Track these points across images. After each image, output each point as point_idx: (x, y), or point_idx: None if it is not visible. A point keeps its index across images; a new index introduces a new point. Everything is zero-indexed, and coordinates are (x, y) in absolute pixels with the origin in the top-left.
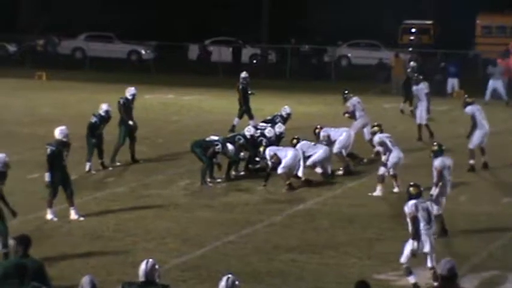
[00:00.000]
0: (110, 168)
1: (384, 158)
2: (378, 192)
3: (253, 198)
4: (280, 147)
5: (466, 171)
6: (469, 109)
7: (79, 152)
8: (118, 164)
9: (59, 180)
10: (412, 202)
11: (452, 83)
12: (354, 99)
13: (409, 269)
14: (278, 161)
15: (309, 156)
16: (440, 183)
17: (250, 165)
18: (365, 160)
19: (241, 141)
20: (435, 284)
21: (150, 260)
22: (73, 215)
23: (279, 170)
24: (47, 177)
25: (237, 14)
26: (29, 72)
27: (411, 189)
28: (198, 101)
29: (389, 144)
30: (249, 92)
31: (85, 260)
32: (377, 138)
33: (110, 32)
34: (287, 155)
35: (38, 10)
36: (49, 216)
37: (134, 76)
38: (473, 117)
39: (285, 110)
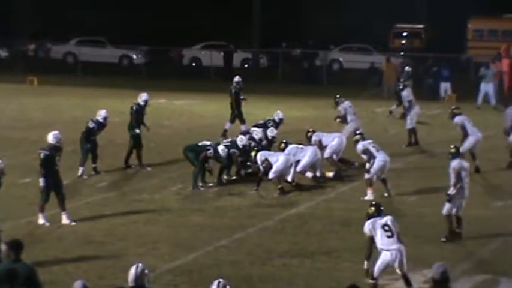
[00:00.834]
0: (103, 173)
1: (368, 165)
2: (369, 196)
3: (245, 202)
4: (272, 152)
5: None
6: (457, 119)
7: (71, 157)
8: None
9: (51, 185)
10: (368, 222)
11: (445, 87)
12: (346, 104)
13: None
14: (269, 166)
15: (299, 161)
16: (458, 185)
17: (241, 170)
18: (356, 164)
19: (237, 153)
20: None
21: (140, 264)
22: (65, 219)
23: (270, 175)
24: (41, 182)
25: (228, 18)
26: (20, 77)
27: (370, 209)
28: (189, 106)
29: (373, 150)
30: (241, 97)
31: (77, 265)
32: (360, 146)
33: (102, 37)
34: (278, 159)
35: (30, 15)
36: (41, 221)
37: (126, 81)
38: (463, 127)
39: (278, 115)
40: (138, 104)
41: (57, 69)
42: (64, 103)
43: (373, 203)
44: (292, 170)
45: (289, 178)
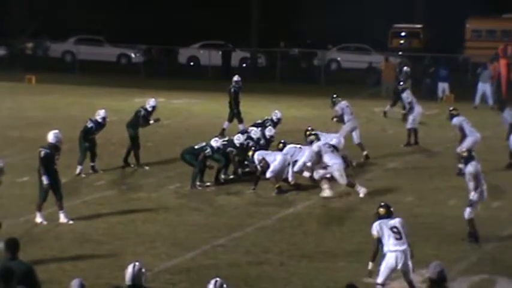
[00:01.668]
0: (101, 172)
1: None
2: (327, 192)
3: (242, 201)
4: (269, 152)
5: (456, 174)
6: (455, 120)
7: (68, 155)
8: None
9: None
10: (376, 223)
11: (443, 87)
12: (343, 103)
13: None
14: (267, 166)
15: (297, 161)
16: (478, 189)
17: (239, 169)
18: (354, 164)
19: (234, 152)
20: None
21: (137, 263)
22: (62, 218)
23: (268, 174)
24: (45, 180)
25: (226, 18)
26: (18, 75)
27: (380, 210)
28: (187, 105)
29: (328, 151)
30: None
31: (74, 263)
32: (315, 147)
33: (100, 36)
34: (276, 159)
35: (28, 13)
36: (38, 219)
37: (124, 79)
38: (461, 129)
39: (276, 114)
40: (146, 109)
41: (56, 68)
42: (62, 101)
43: (383, 204)
44: (290, 169)
45: (289, 177)
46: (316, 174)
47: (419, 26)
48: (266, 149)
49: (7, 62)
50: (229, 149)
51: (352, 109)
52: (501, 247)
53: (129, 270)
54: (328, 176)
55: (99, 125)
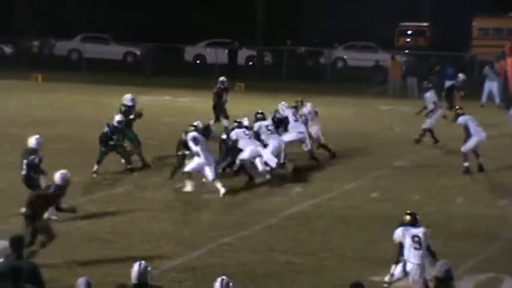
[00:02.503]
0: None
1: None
2: (189, 187)
3: (248, 200)
4: (247, 139)
5: (462, 173)
6: (461, 120)
7: (74, 154)
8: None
9: None
10: (400, 228)
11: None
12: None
13: None
14: (237, 149)
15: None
16: None
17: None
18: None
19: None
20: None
21: (143, 262)
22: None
23: (237, 161)
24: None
25: (232, 16)
26: (25, 73)
27: (406, 217)
28: (193, 103)
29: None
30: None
31: (81, 262)
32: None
33: (106, 34)
34: (246, 149)
35: (34, 12)
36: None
37: (130, 78)
38: (466, 128)
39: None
40: (126, 105)
41: (62, 66)
42: (68, 100)
43: (410, 212)
44: (259, 160)
45: (260, 167)
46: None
47: (425, 24)
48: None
49: (13, 60)
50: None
51: (315, 116)
52: (508, 246)
53: (135, 268)
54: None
55: (116, 129)
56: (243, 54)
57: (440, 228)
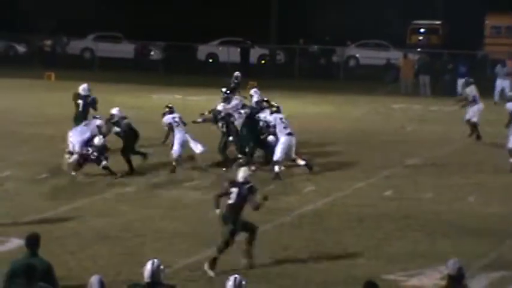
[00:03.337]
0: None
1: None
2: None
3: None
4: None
5: (509, 171)
6: (509, 105)
7: None
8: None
9: None
10: None
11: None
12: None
13: None
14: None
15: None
16: None
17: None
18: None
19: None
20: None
21: (156, 260)
22: None
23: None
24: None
25: (245, 14)
26: (38, 72)
27: None
28: (206, 102)
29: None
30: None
31: (93, 260)
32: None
33: (119, 32)
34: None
35: (46, 10)
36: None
37: (142, 76)
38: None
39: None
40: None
41: (75, 65)
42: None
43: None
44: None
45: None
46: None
47: (438, 22)
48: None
49: (26, 59)
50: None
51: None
52: None
53: (148, 267)
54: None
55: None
56: (255, 53)
57: (453, 227)
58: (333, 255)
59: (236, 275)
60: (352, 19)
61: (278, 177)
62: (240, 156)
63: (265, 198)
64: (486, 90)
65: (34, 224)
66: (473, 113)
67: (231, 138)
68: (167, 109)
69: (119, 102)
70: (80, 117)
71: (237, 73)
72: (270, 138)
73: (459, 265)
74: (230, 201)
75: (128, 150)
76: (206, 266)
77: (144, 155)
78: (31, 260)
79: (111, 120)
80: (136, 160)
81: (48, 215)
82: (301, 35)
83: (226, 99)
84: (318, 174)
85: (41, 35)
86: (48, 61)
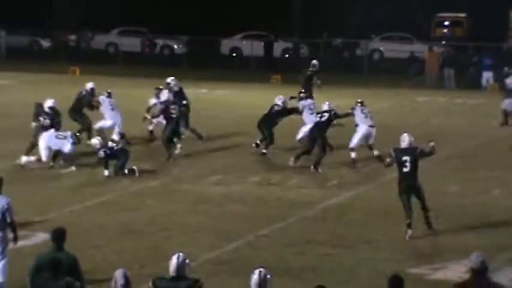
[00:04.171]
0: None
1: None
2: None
3: (285, 192)
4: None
5: None
6: None
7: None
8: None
9: None
10: None
11: (487, 76)
12: (309, 101)
13: None
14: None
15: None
16: None
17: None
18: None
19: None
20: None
21: (181, 254)
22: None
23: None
24: None
25: (269, 8)
26: (63, 67)
27: None
28: (230, 96)
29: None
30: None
31: (119, 254)
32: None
33: (142, 27)
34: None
35: (71, 5)
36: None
37: (166, 71)
38: None
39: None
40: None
41: (99, 59)
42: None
43: None
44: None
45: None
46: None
47: (462, 14)
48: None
49: (51, 54)
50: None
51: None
52: None
53: (174, 261)
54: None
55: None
56: (279, 47)
57: (478, 220)
58: (357, 249)
59: (261, 269)
60: (376, 12)
61: (354, 164)
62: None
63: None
64: None
65: (60, 218)
66: (509, 104)
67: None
68: None
69: (142, 96)
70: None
71: (314, 61)
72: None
73: (482, 258)
74: (405, 170)
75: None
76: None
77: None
78: (57, 254)
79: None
80: (159, 156)
81: (74, 209)
82: (325, 28)
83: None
84: (341, 167)
85: (65, 30)
86: (73, 56)
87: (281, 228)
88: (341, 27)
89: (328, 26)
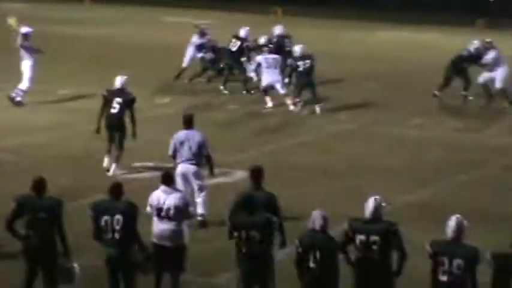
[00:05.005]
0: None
1: None
2: None
3: (484, 139)
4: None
5: None
6: None
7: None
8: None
9: None
10: None
11: None
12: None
13: None
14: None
15: None
16: None
17: None
18: None
19: None
20: None
21: (377, 197)
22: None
23: None
24: None
25: None
26: (264, 7)
27: None
28: (435, 39)
29: None
30: None
31: (314, 194)
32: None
33: None
34: None
35: None
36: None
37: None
38: None
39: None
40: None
41: (306, 0)
42: (307, 35)
43: None
44: None
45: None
46: None
47: None
48: None
49: None
50: None
51: None
52: None
53: (370, 203)
54: None
55: None
56: None
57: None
58: None
59: (458, 215)
60: None
61: None
62: None
63: None
64: None
65: (257, 157)
66: None
67: None
68: None
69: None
70: None
71: None
72: None
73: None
74: None
75: None
76: None
77: None
78: (254, 192)
79: None
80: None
81: (273, 148)
82: None
83: None
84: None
85: None
86: None
87: (481, 174)
88: None
89: None
